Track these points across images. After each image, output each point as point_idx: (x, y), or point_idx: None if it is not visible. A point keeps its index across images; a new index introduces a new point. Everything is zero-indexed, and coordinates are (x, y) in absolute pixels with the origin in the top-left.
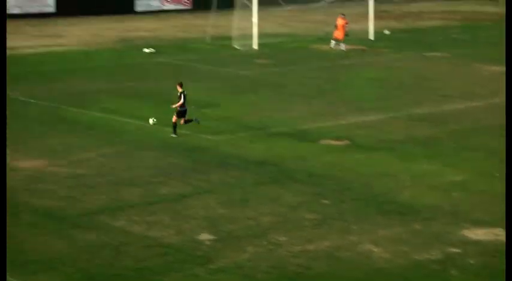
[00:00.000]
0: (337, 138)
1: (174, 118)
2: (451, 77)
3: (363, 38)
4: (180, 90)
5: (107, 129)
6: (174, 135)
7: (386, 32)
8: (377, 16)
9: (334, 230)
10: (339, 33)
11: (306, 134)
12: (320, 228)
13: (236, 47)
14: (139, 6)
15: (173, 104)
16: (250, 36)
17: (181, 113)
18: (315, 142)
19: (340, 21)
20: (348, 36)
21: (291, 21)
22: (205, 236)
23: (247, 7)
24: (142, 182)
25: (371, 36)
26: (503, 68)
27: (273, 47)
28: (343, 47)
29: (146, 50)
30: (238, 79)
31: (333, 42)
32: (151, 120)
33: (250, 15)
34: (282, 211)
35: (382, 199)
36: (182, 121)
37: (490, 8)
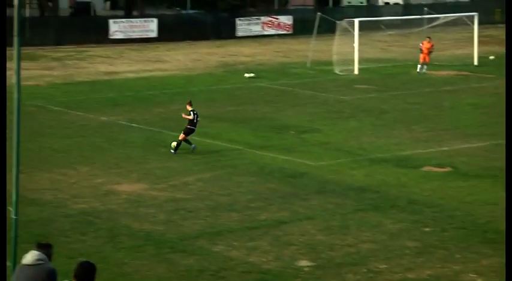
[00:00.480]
0: (439, 165)
1: (181, 136)
2: None
3: (466, 63)
4: (189, 109)
5: (206, 154)
6: (172, 152)
7: (491, 57)
8: (481, 41)
9: (435, 259)
10: (424, 57)
11: (407, 161)
12: (421, 256)
13: (337, 72)
14: (240, 31)
15: (185, 115)
16: (351, 62)
17: (189, 131)
18: (417, 168)
19: (425, 45)
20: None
21: (392, 46)
22: (304, 263)
23: (348, 32)
24: (241, 207)
25: (475, 62)
26: None
27: (374, 72)
28: (424, 69)
29: (246, 75)
30: (338, 104)
31: (419, 66)
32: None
33: (351, 40)
34: (382, 238)
35: (486, 227)
36: (182, 136)
37: None
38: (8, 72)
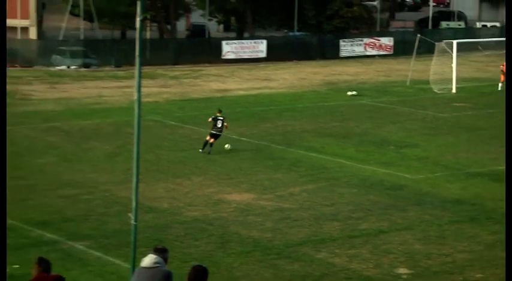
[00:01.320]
0: None
1: (208, 137)
2: None
3: None
4: (218, 114)
5: (311, 166)
6: (200, 151)
7: None
8: None
9: None
10: (503, 77)
11: (502, 175)
12: None
13: (435, 90)
14: (343, 52)
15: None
16: (449, 80)
17: (213, 136)
18: None
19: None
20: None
21: (489, 66)
22: (402, 270)
23: (447, 52)
24: (342, 217)
25: None
26: None
27: (471, 91)
28: (499, 87)
29: (349, 93)
30: (436, 121)
31: (500, 85)
32: (227, 146)
33: (449, 60)
34: (478, 248)
35: None
36: (212, 140)
37: None
38: (129, 90)
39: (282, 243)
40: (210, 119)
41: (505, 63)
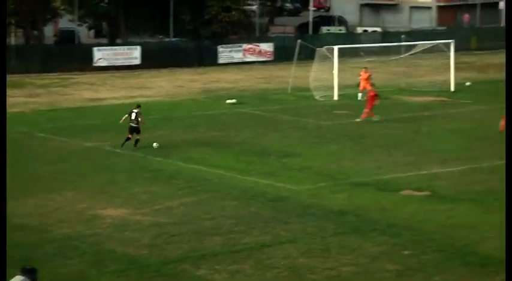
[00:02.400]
0: (418, 189)
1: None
2: None
3: (444, 89)
4: (134, 110)
5: (190, 178)
6: (120, 149)
7: (468, 83)
8: (458, 68)
9: None
10: (364, 85)
11: (386, 185)
12: (401, 279)
13: (316, 97)
14: (222, 58)
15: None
16: (330, 87)
17: (131, 130)
18: (396, 192)
19: (363, 75)
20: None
21: (371, 73)
22: None
23: (328, 58)
24: (223, 231)
25: (452, 88)
26: None
27: (353, 97)
28: (359, 97)
29: (228, 101)
30: (319, 129)
31: (360, 94)
32: (154, 144)
33: (330, 66)
34: (362, 261)
35: (465, 250)
36: (130, 135)
37: None
38: None
39: (160, 260)
40: (123, 118)
41: (362, 72)
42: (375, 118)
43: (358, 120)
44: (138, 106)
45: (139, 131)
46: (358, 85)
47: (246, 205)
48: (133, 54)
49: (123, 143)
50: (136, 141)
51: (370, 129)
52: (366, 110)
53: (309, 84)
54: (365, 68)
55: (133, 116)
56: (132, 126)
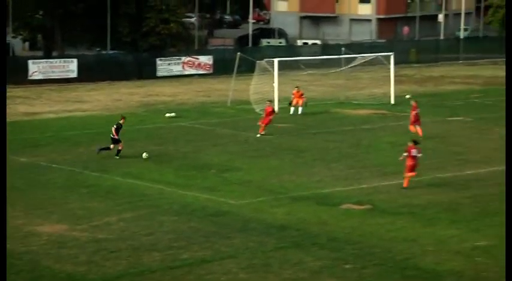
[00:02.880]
0: (359, 203)
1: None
2: (473, 142)
3: (384, 102)
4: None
5: (128, 193)
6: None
7: (408, 96)
8: (397, 80)
9: None
10: (297, 101)
11: (327, 199)
12: None
13: (257, 111)
14: (161, 71)
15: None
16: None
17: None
18: (337, 206)
19: (296, 95)
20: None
21: (311, 85)
22: None
23: (268, 71)
24: (163, 246)
25: (392, 101)
26: None
27: (294, 110)
28: (299, 111)
29: (167, 115)
30: (259, 143)
31: (292, 109)
32: (144, 155)
33: (271, 79)
34: (303, 276)
35: (405, 264)
36: (112, 146)
37: None
38: None
39: (98, 277)
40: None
41: (295, 91)
42: (259, 135)
43: (258, 136)
44: (123, 118)
45: (119, 141)
46: (290, 103)
47: (186, 220)
48: (70, 67)
49: (99, 150)
50: (118, 151)
51: (311, 143)
52: (262, 124)
53: (249, 97)
54: (297, 87)
55: (113, 128)
56: (112, 138)
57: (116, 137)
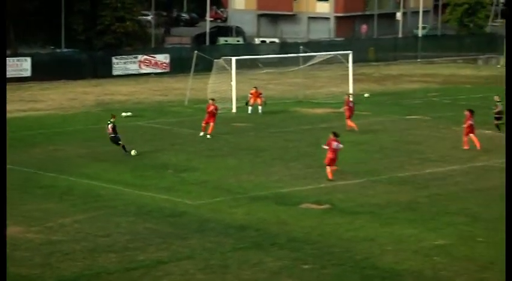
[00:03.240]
0: (318, 202)
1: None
2: (431, 141)
3: (342, 100)
4: (111, 119)
5: (84, 194)
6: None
7: (366, 95)
8: (356, 79)
9: None
10: (255, 99)
11: (286, 198)
12: None
13: None
14: (117, 70)
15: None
16: (229, 99)
17: (112, 140)
18: (296, 205)
19: (254, 94)
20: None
21: (269, 84)
22: None
23: (226, 70)
24: (119, 248)
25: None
26: (482, 132)
27: (252, 109)
28: (260, 110)
29: (124, 114)
30: (217, 142)
31: (250, 108)
32: (133, 152)
33: (228, 78)
34: (262, 276)
35: (364, 264)
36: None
37: (470, 71)
38: None
39: (53, 279)
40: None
41: (254, 90)
42: (202, 134)
43: (201, 134)
44: (114, 116)
45: (119, 139)
46: (247, 103)
47: (142, 221)
48: (23, 66)
49: (125, 152)
50: (123, 147)
51: (269, 142)
52: (209, 123)
53: (207, 96)
54: (255, 87)
55: (109, 128)
56: (111, 136)
57: (116, 135)
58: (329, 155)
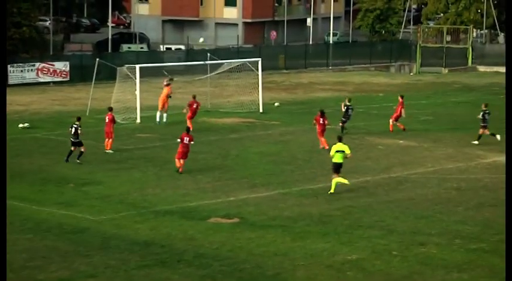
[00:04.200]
0: (227, 216)
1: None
2: None
3: (252, 110)
4: (76, 123)
5: None
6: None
7: (276, 104)
8: (266, 87)
9: None
10: (162, 103)
11: (194, 212)
12: None
13: (118, 120)
14: (13, 79)
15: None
16: (133, 109)
17: (73, 144)
18: (204, 220)
19: (165, 91)
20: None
21: (176, 93)
22: None
23: (130, 78)
24: (17, 267)
25: (260, 109)
26: (396, 142)
27: (155, 119)
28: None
29: (21, 125)
30: (120, 155)
31: (158, 113)
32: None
33: (132, 86)
34: None
35: (275, 279)
36: (73, 148)
37: (382, 79)
38: None
39: None
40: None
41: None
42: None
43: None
44: (79, 119)
45: (81, 143)
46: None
47: (41, 238)
48: None
49: (67, 157)
50: (80, 153)
51: (175, 153)
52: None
53: (112, 106)
54: (170, 80)
55: (73, 130)
56: (72, 141)
57: (77, 139)
58: (180, 149)
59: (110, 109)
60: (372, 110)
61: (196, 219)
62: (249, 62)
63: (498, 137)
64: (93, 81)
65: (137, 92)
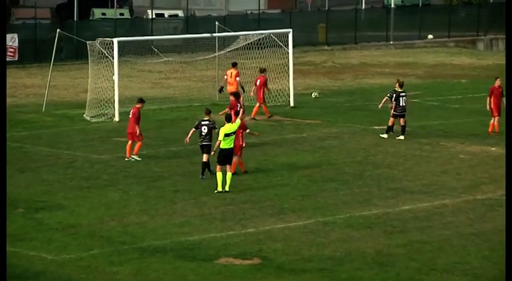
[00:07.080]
0: (243, 256)
1: None
2: (411, 162)
3: (279, 103)
4: None
5: None
6: None
7: (315, 94)
8: (299, 71)
9: None
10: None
11: (195, 250)
12: None
13: (87, 118)
14: None
15: None
16: (109, 103)
17: None
18: (210, 261)
19: (233, 72)
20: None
21: (169, 79)
22: None
23: (105, 58)
24: None
25: (291, 102)
26: (487, 149)
27: (143, 118)
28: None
29: None
30: (91, 167)
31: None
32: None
33: (110, 70)
34: None
35: None
36: None
37: (466, 59)
38: None
39: None
40: None
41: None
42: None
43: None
44: (209, 112)
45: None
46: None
47: None
48: None
49: (204, 172)
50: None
51: (169, 166)
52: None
53: (79, 97)
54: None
55: (205, 130)
56: (205, 144)
57: (210, 142)
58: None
59: (140, 101)
60: (451, 103)
61: (199, 259)
62: (275, 34)
63: None
64: (52, 62)
65: (115, 78)
